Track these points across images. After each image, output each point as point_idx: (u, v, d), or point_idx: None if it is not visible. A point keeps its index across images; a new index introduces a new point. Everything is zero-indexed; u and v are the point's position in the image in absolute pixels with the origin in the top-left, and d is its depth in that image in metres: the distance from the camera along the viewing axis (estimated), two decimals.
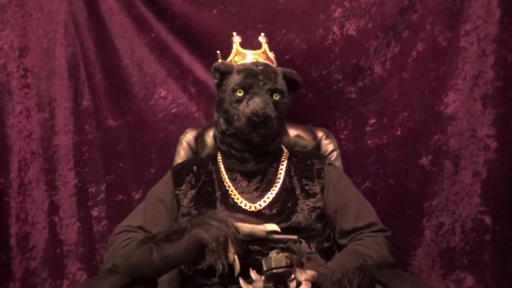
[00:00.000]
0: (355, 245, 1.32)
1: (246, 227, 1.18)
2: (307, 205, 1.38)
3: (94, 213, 2.00)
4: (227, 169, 1.46)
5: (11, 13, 1.98)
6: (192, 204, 1.41)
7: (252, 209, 1.37)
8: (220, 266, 1.12)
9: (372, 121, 1.79)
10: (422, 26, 1.72)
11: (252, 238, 1.19)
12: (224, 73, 1.46)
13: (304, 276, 1.07)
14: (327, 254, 1.36)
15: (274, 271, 1.04)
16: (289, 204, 1.37)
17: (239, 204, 1.38)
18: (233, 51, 1.55)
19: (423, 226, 1.74)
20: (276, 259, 1.05)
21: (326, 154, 1.68)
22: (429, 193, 1.74)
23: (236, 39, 1.56)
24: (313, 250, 1.33)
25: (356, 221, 1.37)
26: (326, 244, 1.38)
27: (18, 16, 1.98)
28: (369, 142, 1.81)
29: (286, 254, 1.06)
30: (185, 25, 1.90)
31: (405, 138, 1.76)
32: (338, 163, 1.65)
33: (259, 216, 1.34)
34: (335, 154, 1.68)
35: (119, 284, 1.27)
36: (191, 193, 1.43)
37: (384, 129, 1.78)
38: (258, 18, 1.85)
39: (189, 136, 1.76)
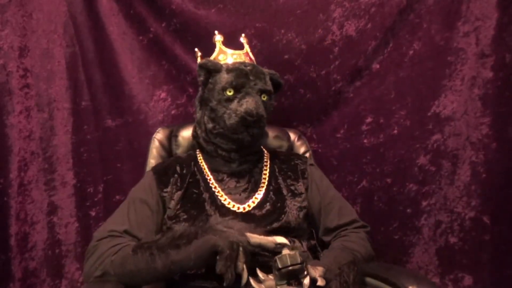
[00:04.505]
0: (343, 241, 1.37)
1: (256, 237, 1.17)
2: (294, 204, 1.40)
3: (92, 213, 2.00)
4: (211, 170, 1.45)
5: (11, 13, 1.98)
6: (179, 206, 1.37)
7: (241, 210, 1.36)
8: (230, 274, 1.10)
9: (369, 120, 1.79)
10: (419, 25, 1.72)
11: (262, 249, 1.17)
12: (211, 71, 1.44)
13: (317, 272, 1.11)
14: (313, 251, 1.40)
15: (290, 268, 1.04)
16: (279, 204, 1.38)
17: (226, 205, 1.37)
18: (217, 50, 1.53)
19: (421, 224, 1.74)
20: (291, 256, 1.05)
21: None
22: (427, 192, 1.73)
23: (218, 37, 1.55)
24: (305, 248, 1.36)
25: (339, 218, 1.43)
26: (313, 242, 1.42)
27: (18, 16, 1.99)
28: (365, 141, 1.81)
29: (298, 251, 1.07)
30: (183, 23, 1.91)
31: (402, 137, 1.76)
32: None
33: (248, 217, 1.34)
34: (307, 155, 1.71)
35: None
36: (178, 194, 1.39)
37: (381, 128, 1.78)
38: (257, 18, 1.85)
39: (161, 135, 1.73)
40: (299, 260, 1.05)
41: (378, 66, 1.78)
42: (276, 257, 1.07)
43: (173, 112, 1.97)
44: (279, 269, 1.06)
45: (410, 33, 1.74)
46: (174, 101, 1.97)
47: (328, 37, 1.81)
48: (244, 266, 1.12)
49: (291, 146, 1.73)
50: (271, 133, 1.71)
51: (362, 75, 1.80)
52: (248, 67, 1.43)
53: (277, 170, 1.48)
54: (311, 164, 1.53)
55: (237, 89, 1.40)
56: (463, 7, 1.69)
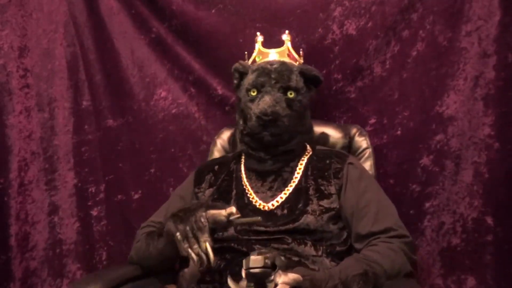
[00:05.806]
0: (367, 251, 1.28)
1: (211, 212, 1.19)
2: (319, 206, 1.35)
3: (94, 213, 2.01)
4: (246, 168, 1.47)
5: (11, 13, 1.98)
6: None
7: (266, 208, 1.38)
8: (194, 255, 1.14)
9: (372, 121, 1.78)
10: (422, 26, 1.71)
11: (217, 224, 1.19)
12: (242, 74, 1.47)
13: (283, 279, 1.05)
14: (341, 258, 1.30)
15: (251, 271, 1.03)
16: (300, 205, 1.36)
17: (253, 203, 1.39)
18: (256, 51, 1.56)
19: (424, 226, 1.73)
20: (254, 259, 1.03)
21: (359, 151, 1.65)
22: (430, 193, 1.72)
23: (259, 38, 1.57)
24: (320, 253, 1.30)
25: (373, 225, 1.31)
26: (339, 248, 1.34)
27: (18, 16, 1.99)
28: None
29: (267, 254, 1.04)
30: (184, 24, 1.91)
31: (405, 138, 1.75)
32: (370, 162, 1.63)
33: (272, 216, 1.35)
34: (367, 152, 1.65)
35: (127, 276, 1.41)
36: (210, 191, 1.46)
37: (384, 129, 1.77)
38: (257, 17, 1.84)
39: (223, 136, 1.78)
40: (261, 264, 1.03)
41: (381, 67, 1.77)
42: (244, 258, 1.06)
43: (173, 111, 1.97)
44: (244, 271, 1.06)
45: (413, 34, 1.72)
46: (175, 100, 1.96)
47: (329, 36, 1.80)
48: (207, 245, 1.14)
49: (350, 142, 1.66)
50: (322, 129, 1.68)
51: (363, 75, 1.79)
52: (274, 65, 1.43)
53: (310, 169, 1.43)
54: (351, 163, 1.43)
55: (259, 88, 1.41)
56: (466, 6, 1.68)
